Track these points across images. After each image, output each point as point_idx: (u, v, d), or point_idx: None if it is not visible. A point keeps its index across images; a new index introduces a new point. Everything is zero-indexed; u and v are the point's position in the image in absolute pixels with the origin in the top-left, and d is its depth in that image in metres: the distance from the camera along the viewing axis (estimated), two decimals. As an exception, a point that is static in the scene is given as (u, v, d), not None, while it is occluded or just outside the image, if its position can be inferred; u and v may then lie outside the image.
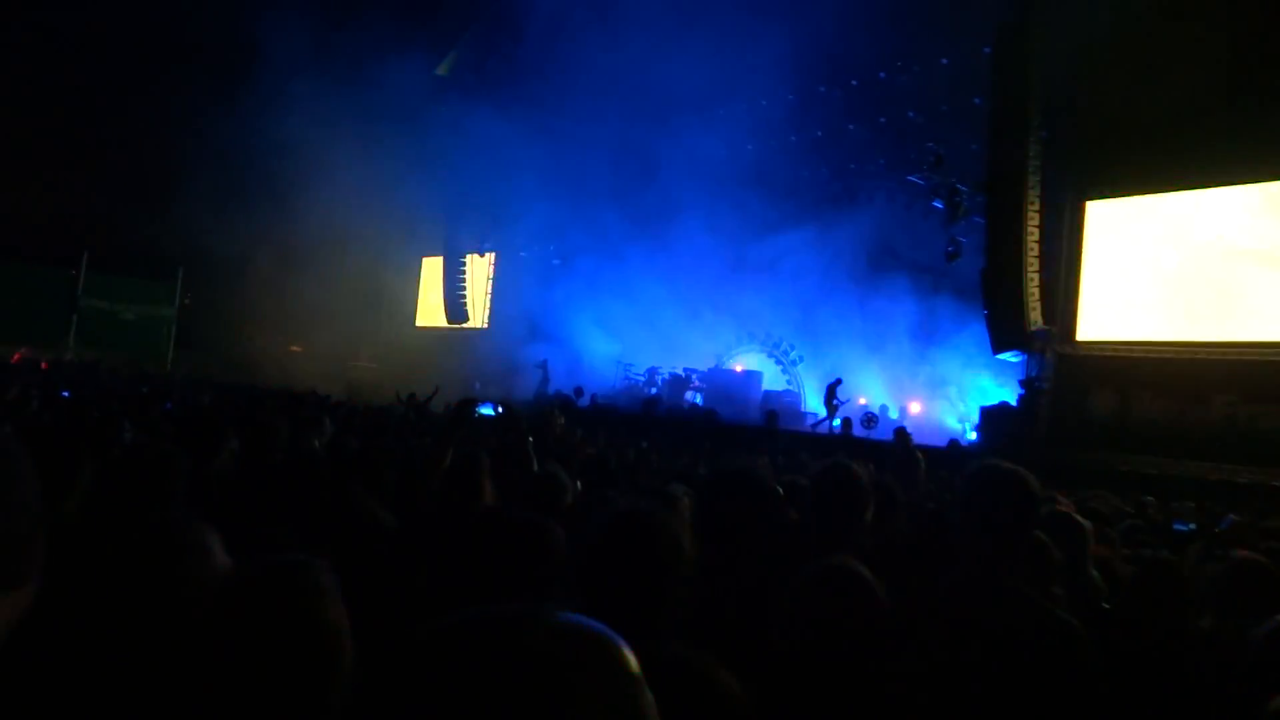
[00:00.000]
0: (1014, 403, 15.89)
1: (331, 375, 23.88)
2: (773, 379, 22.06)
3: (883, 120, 20.38)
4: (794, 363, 21.94)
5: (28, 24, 24.48)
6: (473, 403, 3.79)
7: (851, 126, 21.06)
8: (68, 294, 29.03)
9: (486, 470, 3.24)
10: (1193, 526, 5.50)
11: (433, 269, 31.00)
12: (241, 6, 22.42)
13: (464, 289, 29.02)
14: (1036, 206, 15.57)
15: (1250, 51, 13.45)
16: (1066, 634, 2.07)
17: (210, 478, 2.97)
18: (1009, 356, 16.50)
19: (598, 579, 1.69)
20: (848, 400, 18.13)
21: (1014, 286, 15.45)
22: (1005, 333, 15.84)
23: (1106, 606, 2.97)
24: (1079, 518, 3.19)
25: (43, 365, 19.19)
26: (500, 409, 4.27)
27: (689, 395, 21.80)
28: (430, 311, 31.13)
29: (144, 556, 1.55)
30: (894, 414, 19.01)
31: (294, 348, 30.37)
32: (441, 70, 26.81)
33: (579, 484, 4.39)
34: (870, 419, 17.94)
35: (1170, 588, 2.73)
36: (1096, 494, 8.14)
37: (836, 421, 17.24)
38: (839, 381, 18.04)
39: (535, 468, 3.67)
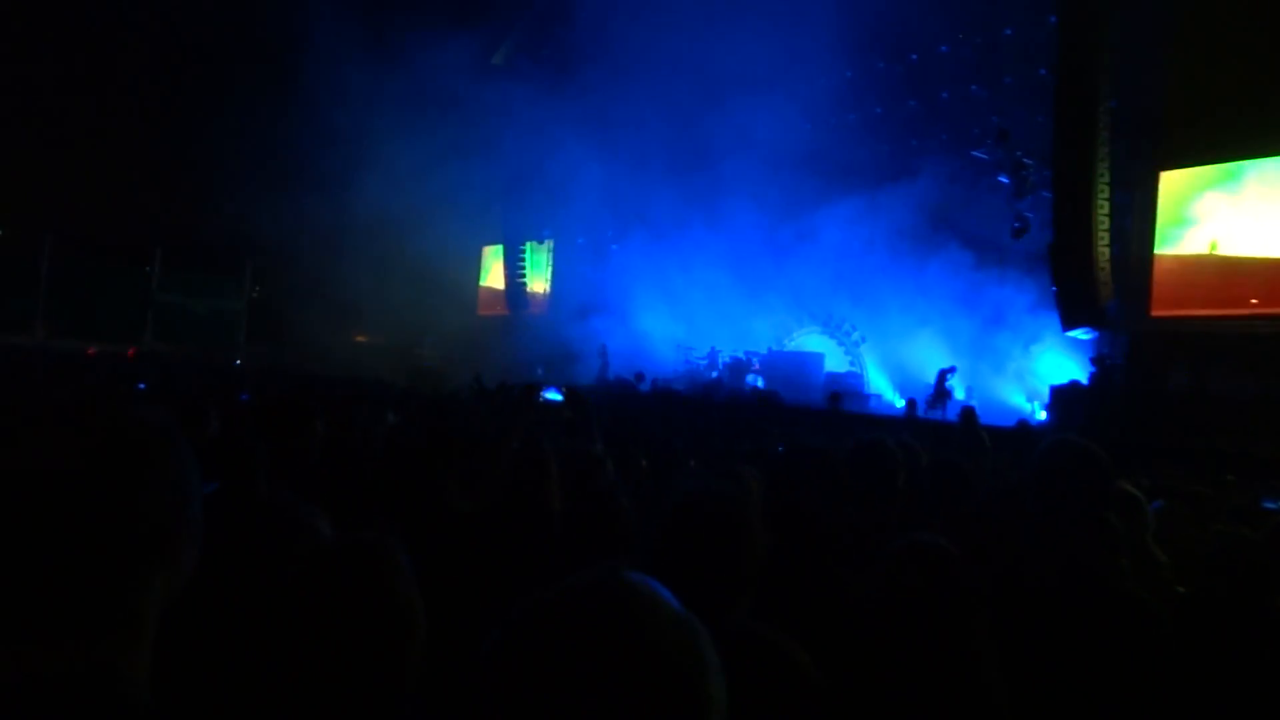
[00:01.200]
0: (1085, 381, 15.50)
1: (396, 364, 24.29)
2: (834, 360, 21.87)
3: (945, 95, 19.98)
4: (856, 343, 21.71)
5: (85, 28, 25.21)
6: (538, 388, 3.84)
7: (912, 102, 20.70)
8: (143, 290, 30.01)
9: (553, 460, 3.24)
10: (1281, 504, 5.33)
11: (493, 257, 31.32)
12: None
13: (524, 276, 29.26)
14: (1106, 179, 15.12)
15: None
16: (1143, 611, 2.03)
17: (293, 462, 3.05)
18: (1079, 334, 16.10)
19: (672, 557, 1.70)
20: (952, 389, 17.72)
21: (1084, 262, 15.05)
22: (1075, 309, 15.45)
23: (1181, 589, 2.90)
24: (1137, 493, 3.12)
25: (130, 353, 19.80)
26: (565, 394, 4.32)
27: (750, 378, 21.73)
28: (492, 300, 31.47)
29: (263, 534, 1.61)
30: (960, 394, 18.69)
31: (359, 337, 30.96)
32: (497, 60, 26.98)
33: (644, 462, 4.42)
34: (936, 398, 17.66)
35: (1250, 565, 2.65)
36: (1172, 473, 7.93)
37: (900, 401, 17.02)
38: (952, 369, 17.66)
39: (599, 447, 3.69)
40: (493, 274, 31.61)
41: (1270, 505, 5.30)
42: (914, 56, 19.80)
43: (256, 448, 2.55)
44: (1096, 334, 15.85)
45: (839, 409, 15.53)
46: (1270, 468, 9.86)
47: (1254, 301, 14.36)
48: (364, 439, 4.18)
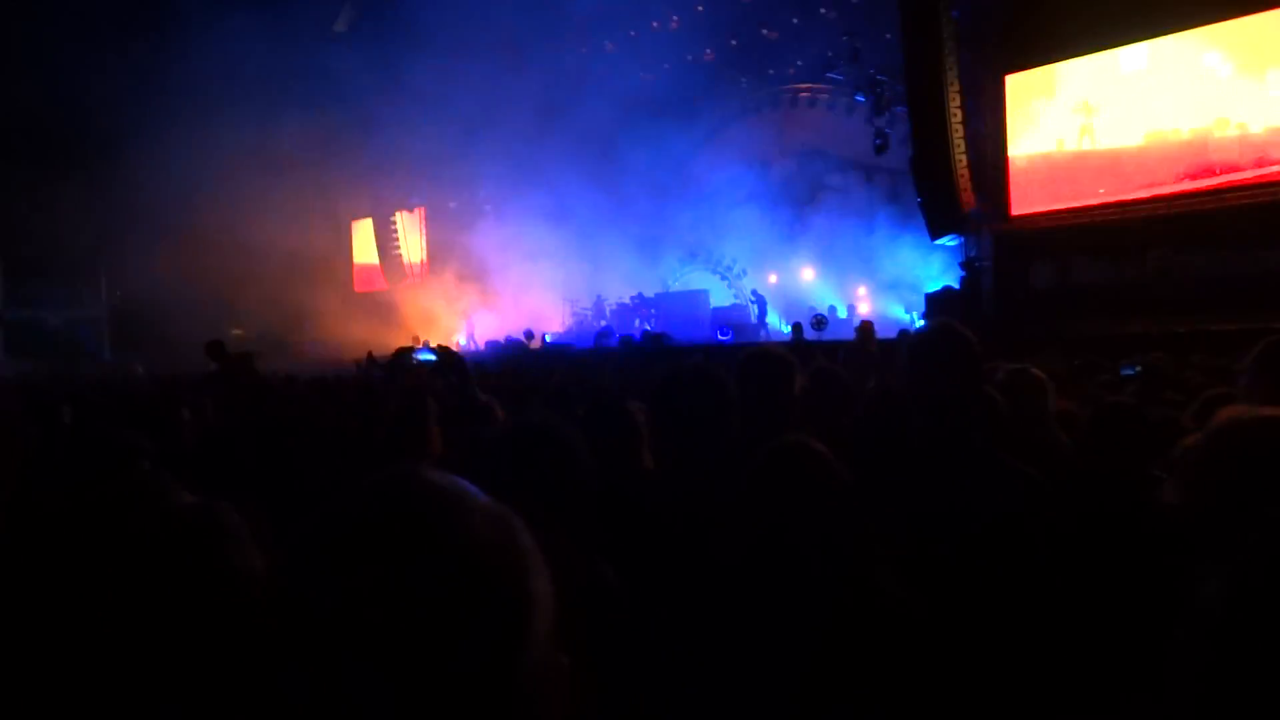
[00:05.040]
0: (957, 285, 16.07)
1: (277, 353, 23.39)
2: (720, 296, 22.12)
3: (795, 21, 20.10)
4: (738, 276, 21.99)
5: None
6: (408, 351, 3.72)
7: (765, 30, 20.77)
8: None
9: (434, 415, 3.16)
10: (1139, 369, 5.65)
11: (363, 231, 30.41)
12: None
13: (398, 247, 28.53)
14: (956, 88, 15.53)
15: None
16: (1026, 485, 2.08)
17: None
18: (947, 241, 16.64)
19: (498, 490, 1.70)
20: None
21: (943, 170, 15.50)
22: (940, 218, 15.94)
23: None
24: (1036, 371, 3.22)
25: None
26: (437, 351, 4.20)
27: (639, 322, 21.80)
28: (368, 275, 30.62)
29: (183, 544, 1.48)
30: (842, 314, 19.16)
31: (236, 331, 29.64)
32: (339, 26, 25.81)
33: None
34: (820, 320, 18.06)
35: (1127, 430, 2.77)
36: (1041, 358, 8.28)
37: (787, 328, 17.33)
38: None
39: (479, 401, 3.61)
40: (366, 249, 30.71)
41: (1128, 371, 5.61)
42: (762, -15, 19.81)
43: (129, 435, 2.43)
44: (963, 239, 16.40)
45: (729, 341, 15.71)
46: (1133, 345, 10.41)
47: (1101, 191, 15.07)
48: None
